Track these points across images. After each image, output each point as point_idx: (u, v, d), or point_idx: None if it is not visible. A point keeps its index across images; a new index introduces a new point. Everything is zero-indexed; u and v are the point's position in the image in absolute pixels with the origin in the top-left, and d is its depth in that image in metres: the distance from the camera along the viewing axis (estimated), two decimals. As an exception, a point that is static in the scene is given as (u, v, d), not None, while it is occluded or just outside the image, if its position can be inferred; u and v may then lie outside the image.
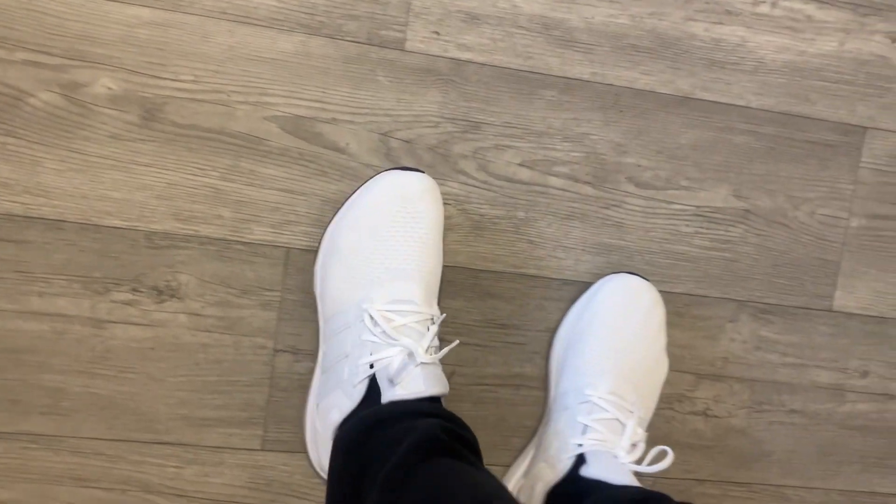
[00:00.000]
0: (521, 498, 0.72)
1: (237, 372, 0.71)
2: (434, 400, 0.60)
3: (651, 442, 0.77)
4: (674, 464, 0.78)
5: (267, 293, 0.71)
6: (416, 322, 0.61)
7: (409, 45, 0.70)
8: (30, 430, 0.68)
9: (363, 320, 0.61)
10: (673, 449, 0.78)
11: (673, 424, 0.79)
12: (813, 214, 0.79)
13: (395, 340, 0.59)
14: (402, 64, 0.70)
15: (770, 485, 0.82)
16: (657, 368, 0.74)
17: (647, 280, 0.73)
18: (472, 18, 0.70)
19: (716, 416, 0.80)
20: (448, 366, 0.73)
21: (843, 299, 0.80)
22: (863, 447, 0.83)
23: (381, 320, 0.60)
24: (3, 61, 0.64)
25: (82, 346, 0.68)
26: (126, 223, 0.68)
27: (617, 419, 0.67)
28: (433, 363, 0.60)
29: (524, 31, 0.71)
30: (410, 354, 0.59)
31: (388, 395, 0.59)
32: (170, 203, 0.68)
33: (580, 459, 0.66)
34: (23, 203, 0.66)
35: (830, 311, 0.80)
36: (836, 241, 0.79)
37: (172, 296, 0.69)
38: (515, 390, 0.76)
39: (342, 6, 0.68)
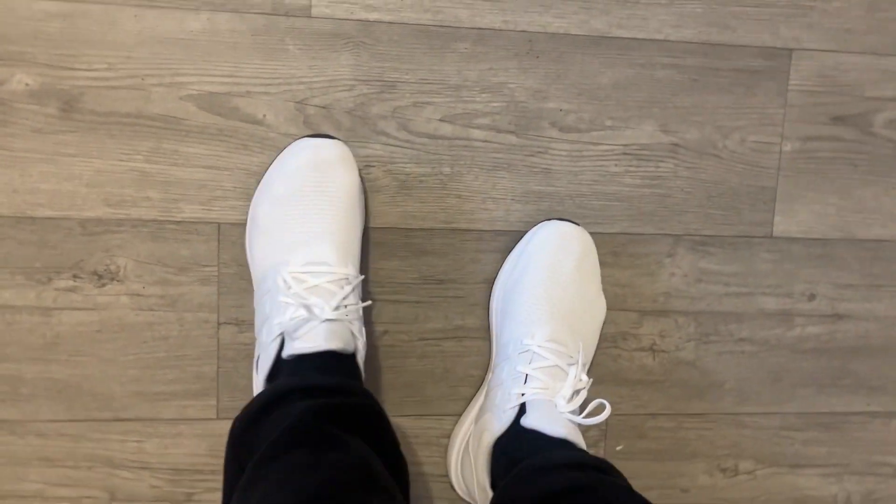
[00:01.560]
0: (470, 447, 0.74)
1: (185, 346, 0.74)
2: (339, 358, 0.62)
3: (599, 381, 0.79)
4: (626, 399, 0.81)
5: (204, 269, 0.73)
6: (330, 282, 0.63)
7: (315, 11, 0.71)
8: (-8, 418, 0.72)
9: (278, 284, 0.63)
10: (622, 386, 0.80)
11: (620, 362, 0.80)
12: (744, 142, 0.78)
13: (305, 299, 0.61)
14: (311, 30, 0.71)
15: (725, 413, 0.83)
16: (594, 311, 0.75)
17: (578, 224, 0.74)
18: (376, -21, 0.71)
19: (663, 351, 0.81)
20: (382, 324, 0.75)
21: (784, 224, 0.80)
22: (815, 369, 0.84)
23: (293, 282, 0.62)
24: (-81, 68, 0.66)
25: (32, 334, 0.71)
26: (59, 213, 0.70)
27: (557, 366, 0.68)
28: (339, 320, 0.62)
29: (429, -13, 0.72)
30: (313, 311, 0.60)
31: (287, 349, 0.61)
32: (99, 190, 0.70)
33: (523, 409, 0.67)
34: (-43, 203, 0.69)
35: (771, 237, 0.80)
36: (771, 166, 0.79)
37: (112, 279, 0.72)
38: (459, 342, 0.77)
39: (243, -20, 0.69)
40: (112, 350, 0.73)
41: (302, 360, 0.61)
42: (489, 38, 0.73)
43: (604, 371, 0.79)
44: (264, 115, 0.71)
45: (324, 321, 0.61)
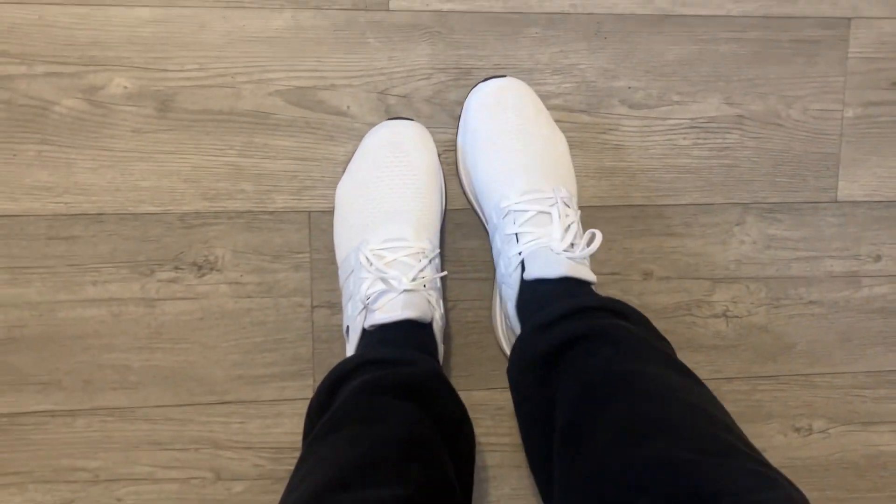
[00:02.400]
0: (503, 324, 0.75)
1: (281, 330, 0.77)
2: (417, 327, 0.65)
3: (676, 347, 0.82)
4: (702, 364, 0.83)
5: (297, 255, 0.76)
6: (407, 256, 0.66)
7: (392, 5, 0.74)
8: (105, 405, 0.76)
9: (360, 262, 0.66)
10: (697, 352, 0.82)
11: (695, 329, 0.83)
12: (806, 111, 0.81)
13: (384, 273, 0.64)
14: (389, 23, 0.74)
15: (798, 375, 0.86)
16: (555, 146, 0.73)
17: (504, 76, 0.74)
18: (450, -30, 0.74)
19: (736, 317, 0.83)
20: (465, 301, 0.78)
21: (847, 189, 0.83)
22: (884, 328, 0.86)
23: (373, 258, 0.65)
24: (26, 76, 0.70)
25: (139, 324, 0.75)
26: (159, 208, 0.74)
27: (540, 212, 0.67)
28: (416, 291, 0.65)
29: (501, -25, 0.75)
30: (391, 283, 0.63)
31: (368, 320, 0.65)
32: (196, 184, 0.74)
33: (524, 266, 0.67)
34: (65, 203, 0.73)
35: (836, 201, 0.83)
36: (833, 133, 0.82)
37: (212, 269, 0.75)
38: (539, 315, 0.80)
39: (325, -22, 0.73)
40: (213, 336, 0.76)
41: (382, 329, 0.64)
42: (558, 22, 0.76)
43: (679, 338, 0.82)
44: (348, 107, 0.75)
45: (402, 292, 0.64)
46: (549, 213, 0.67)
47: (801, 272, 0.84)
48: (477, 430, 0.80)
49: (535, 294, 0.65)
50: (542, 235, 0.66)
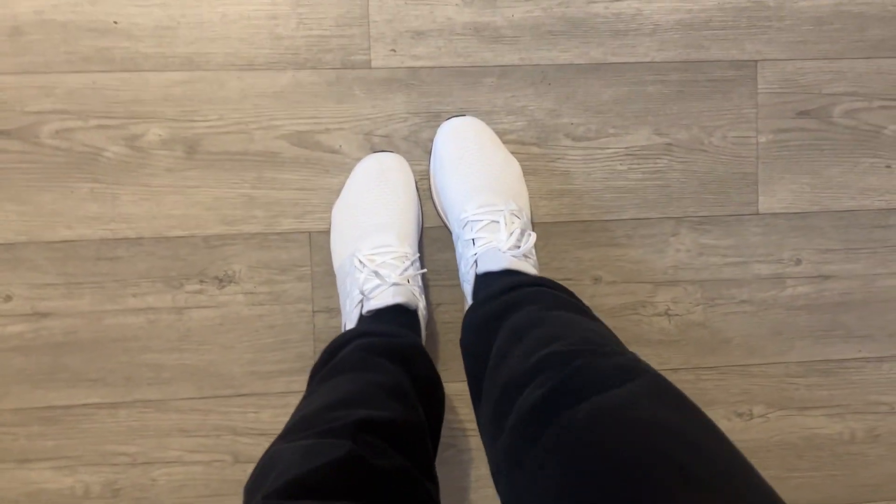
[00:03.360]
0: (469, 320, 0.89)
1: (287, 332, 0.92)
2: (404, 311, 0.80)
3: (625, 343, 0.95)
4: (650, 358, 0.96)
5: (300, 269, 0.92)
6: (393, 258, 0.81)
7: (374, 63, 0.91)
8: (142, 398, 0.91)
9: (355, 265, 0.82)
10: (645, 347, 0.96)
11: (641, 326, 0.96)
12: (725, 138, 0.96)
13: (376, 272, 0.80)
14: (372, 78, 0.91)
15: (736, 365, 0.98)
16: (509, 170, 0.88)
17: (465, 115, 0.90)
18: (419, 34, 0.91)
19: (677, 315, 0.97)
20: (443, 304, 0.93)
21: (767, 203, 0.97)
22: (809, 323, 0.99)
23: (366, 261, 0.81)
24: (83, 128, 0.88)
25: (171, 329, 0.91)
26: (187, 232, 0.90)
27: (492, 221, 0.81)
28: (402, 284, 0.80)
29: (460, 36, 0.92)
30: (382, 277, 0.79)
31: (364, 307, 0.79)
32: (217, 212, 0.91)
33: (477, 264, 0.80)
34: (111, 230, 0.89)
35: (757, 213, 0.97)
36: (750, 156, 0.97)
37: (230, 281, 0.91)
38: (506, 317, 0.95)
39: (318, 44, 0.90)
40: (231, 338, 0.92)
41: (377, 313, 0.79)
42: (510, 73, 0.93)
43: (628, 335, 0.96)
44: (340, 146, 0.91)
45: (391, 284, 0.79)
46: (498, 222, 0.81)
47: (732, 275, 0.97)
48: (453, 417, 0.94)
49: (483, 284, 0.79)
50: (493, 240, 0.80)
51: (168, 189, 0.90)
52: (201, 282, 0.91)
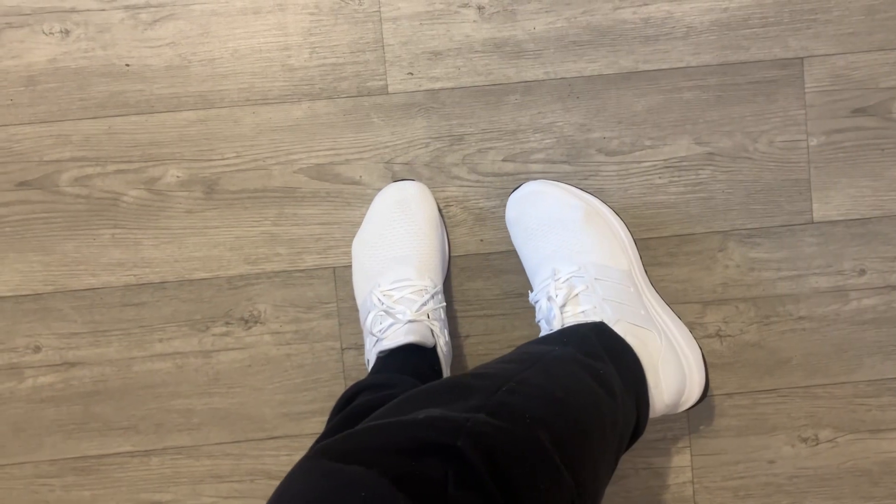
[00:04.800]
0: None
1: (317, 371, 0.89)
2: (418, 350, 0.76)
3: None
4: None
5: (326, 305, 0.89)
6: (412, 293, 0.78)
7: (391, 89, 0.88)
8: (173, 445, 0.89)
9: (373, 302, 0.78)
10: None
11: (690, 349, 0.90)
12: (772, 143, 0.89)
13: (391, 308, 0.76)
14: (389, 104, 0.88)
15: (797, 387, 0.91)
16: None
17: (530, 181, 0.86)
18: (436, 55, 0.87)
19: (729, 336, 0.90)
20: (475, 336, 0.89)
21: (822, 210, 0.90)
22: (878, 338, 0.91)
23: (384, 298, 0.77)
24: (101, 174, 0.87)
25: (199, 373, 0.89)
26: (210, 274, 0.88)
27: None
28: (419, 321, 0.76)
29: (480, 54, 0.87)
30: (396, 316, 0.75)
31: (376, 348, 0.76)
32: (239, 252, 0.88)
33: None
34: (134, 275, 0.88)
35: (812, 222, 0.90)
36: (801, 161, 0.89)
37: (256, 322, 0.89)
38: (544, 345, 0.90)
39: (333, 72, 0.87)
40: (260, 380, 0.89)
41: (389, 355, 0.76)
42: (535, 88, 0.88)
43: (676, 359, 0.89)
44: (360, 176, 0.88)
45: (405, 322, 0.75)
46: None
47: (788, 290, 0.90)
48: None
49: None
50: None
51: (189, 231, 0.88)
52: (227, 324, 0.89)
